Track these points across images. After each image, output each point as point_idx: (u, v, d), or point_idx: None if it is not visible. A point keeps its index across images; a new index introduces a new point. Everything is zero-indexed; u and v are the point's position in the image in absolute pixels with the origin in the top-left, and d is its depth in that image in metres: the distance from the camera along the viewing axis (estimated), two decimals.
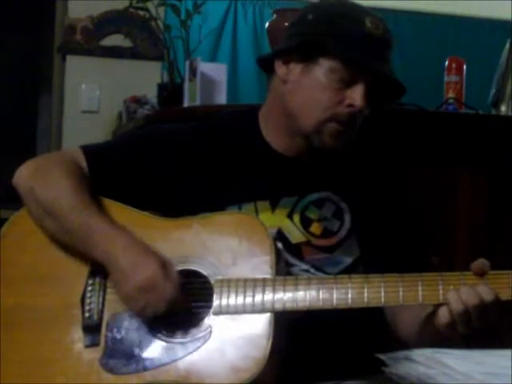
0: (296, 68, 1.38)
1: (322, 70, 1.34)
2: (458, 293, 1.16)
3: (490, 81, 2.70)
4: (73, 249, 1.32)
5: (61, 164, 1.39)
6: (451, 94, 2.51)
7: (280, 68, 1.40)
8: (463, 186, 2.26)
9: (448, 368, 0.93)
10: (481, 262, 1.19)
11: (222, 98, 2.62)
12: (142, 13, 3.26)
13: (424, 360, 0.96)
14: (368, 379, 1.33)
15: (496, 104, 2.63)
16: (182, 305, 1.25)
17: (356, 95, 1.33)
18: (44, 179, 1.36)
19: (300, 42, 1.38)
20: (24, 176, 1.38)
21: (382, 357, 1.02)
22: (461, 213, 2.26)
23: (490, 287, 1.16)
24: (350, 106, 1.33)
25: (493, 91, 2.65)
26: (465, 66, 2.57)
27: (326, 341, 1.33)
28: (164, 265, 1.25)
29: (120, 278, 1.26)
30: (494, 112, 2.63)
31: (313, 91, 1.36)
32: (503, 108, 2.60)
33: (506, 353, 0.95)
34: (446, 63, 2.60)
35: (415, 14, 4.40)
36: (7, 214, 1.40)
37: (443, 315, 1.17)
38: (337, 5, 1.42)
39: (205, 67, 2.65)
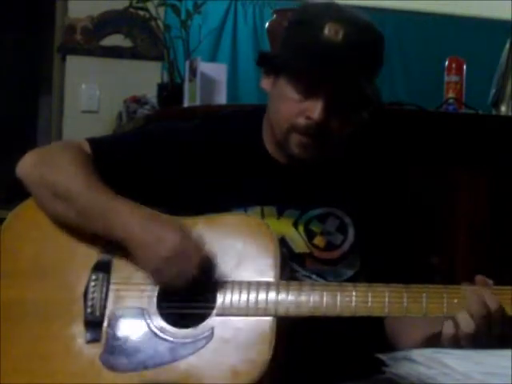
0: (270, 80, 1.39)
1: (284, 83, 1.34)
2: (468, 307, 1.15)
3: (490, 81, 2.70)
4: (87, 232, 1.31)
5: (66, 150, 1.39)
6: (451, 94, 2.51)
7: (263, 79, 1.42)
8: (463, 185, 2.26)
9: (448, 368, 0.93)
10: (484, 278, 1.19)
11: (221, 98, 2.62)
12: (142, 13, 3.25)
13: (424, 360, 0.96)
14: (368, 379, 1.32)
15: (496, 104, 2.63)
16: (212, 268, 1.24)
17: (314, 108, 1.31)
18: (50, 165, 1.36)
19: (260, 57, 1.40)
20: (28, 165, 1.38)
21: (382, 357, 1.01)
22: (461, 213, 2.26)
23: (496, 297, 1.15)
24: (308, 118, 1.32)
25: (493, 91, 2.65)
26: (465, 66, 2.57)
27: (326, 341, 1.33)
28: (184, 231, 1.25)
29: (145, 252, 1.24)
30: (494, 112, 2.63)
31: (278, 102, 1.36)
32: (503, 108, 2.60)
33: (506, 353, 0.94)
34: (446, 63, 2.60)
35: (415, 14, 4.40)
36: (8, 214, 1.40)
37: (448, 326, 1.16)
38: (307, 10, 1.38)
39: (205, 67, 2.65)
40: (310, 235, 1.39)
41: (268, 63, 1.40)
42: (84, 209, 1.30)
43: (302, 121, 1.32)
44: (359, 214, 1.41)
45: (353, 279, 1.37)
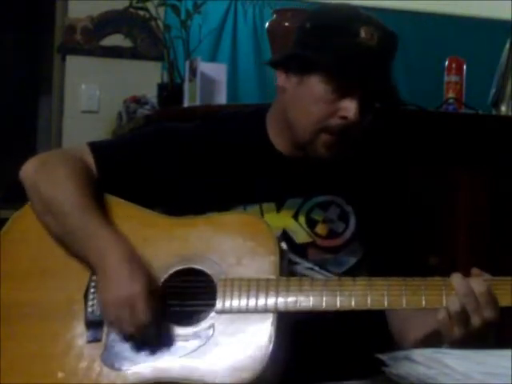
0: (293, 78, 1.38)
1: (315, 83, 1.34)
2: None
3: (490, 81, 2.70)
4: (68, 249, 1.32)
5: (67, 162, 1.39)
6: (451, 94, 2.51)
7: (280, 76, 1.41)
8: (463, 186, 2.26)
9: (448, 368, 0.93)
10: (479, 271, 1.20)
11: (221, 98, 2.62)
12: (142, 13, 3.25)
13: (424, 360, 0.96)
14: (368, 379, 1.33)
15: (496, 104, 2.63)
16: (151, 334, 1.23)
17: (349, 108, 1.32)
18: (49, 176, 1.36)
19: (291, 56, 1.39)
20: (29, 170, 1.39)
21: (382, 357, 1.02)
22: (461, 213, 2.26)
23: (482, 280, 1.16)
24: (343, 117, 1.33)
25: (493, 91, 2.66)
26: (465, 66, 2.58)
27: (327, 341, 1.33)
28: (151, 290, 1.23)
29: (105, 284, 1.24)
30: (494, 112, 2.64)
31: (306, 103, 1.35)
32: (503, 108, 2.60)
33: (506, 353, 0.94)
34: (446, 63, 2.60)
35: (415, 14, 4.40)
36: (7, 214, 1.40)
37: (440, 311, 1.16)
38: (335, 12, 1.41)
39: (205, 67, 2.65)
40: (311, 224, 1.40)
41: (295, 63, 1.38)
42: (71, 229, 1.31)
43: (334, 121, 1.34)
44: (360, 204, 1.42)
45: (355, 268, 1.38)
